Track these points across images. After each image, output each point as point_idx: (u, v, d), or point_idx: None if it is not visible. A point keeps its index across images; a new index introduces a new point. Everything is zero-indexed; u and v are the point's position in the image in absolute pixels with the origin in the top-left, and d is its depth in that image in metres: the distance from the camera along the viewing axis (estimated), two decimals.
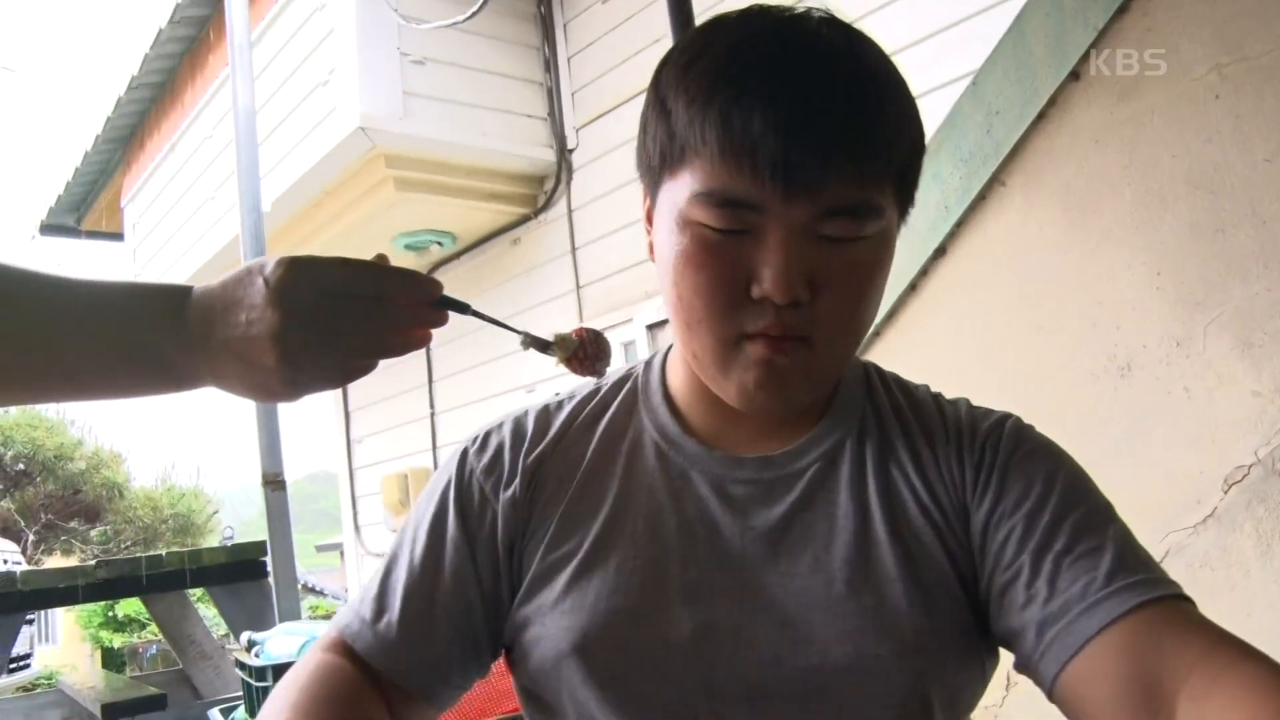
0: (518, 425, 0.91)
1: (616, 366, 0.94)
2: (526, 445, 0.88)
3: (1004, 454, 0.83)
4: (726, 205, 0.72)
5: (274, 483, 2.48)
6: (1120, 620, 0.71)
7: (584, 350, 0.74)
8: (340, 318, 0.59)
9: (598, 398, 0.92)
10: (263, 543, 2.72)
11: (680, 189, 0.75)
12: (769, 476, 0.84)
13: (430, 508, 0.88)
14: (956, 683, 0.80)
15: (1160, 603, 0.72)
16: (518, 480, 0.86)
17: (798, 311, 0.73)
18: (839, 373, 0.86)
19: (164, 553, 3.12)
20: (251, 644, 1.90)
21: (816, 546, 0.81)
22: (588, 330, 0.75)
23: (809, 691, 0.77)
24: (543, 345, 0.74)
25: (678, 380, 0.90)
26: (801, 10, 0.77)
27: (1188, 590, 0.76)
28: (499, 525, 0.85)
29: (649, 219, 0.84)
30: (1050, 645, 0.74)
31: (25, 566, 9.23)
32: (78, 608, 10.11)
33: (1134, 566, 0.75)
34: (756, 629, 0.78)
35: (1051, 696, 0.76)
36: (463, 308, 0.67)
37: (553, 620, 0.80)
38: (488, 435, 0.91)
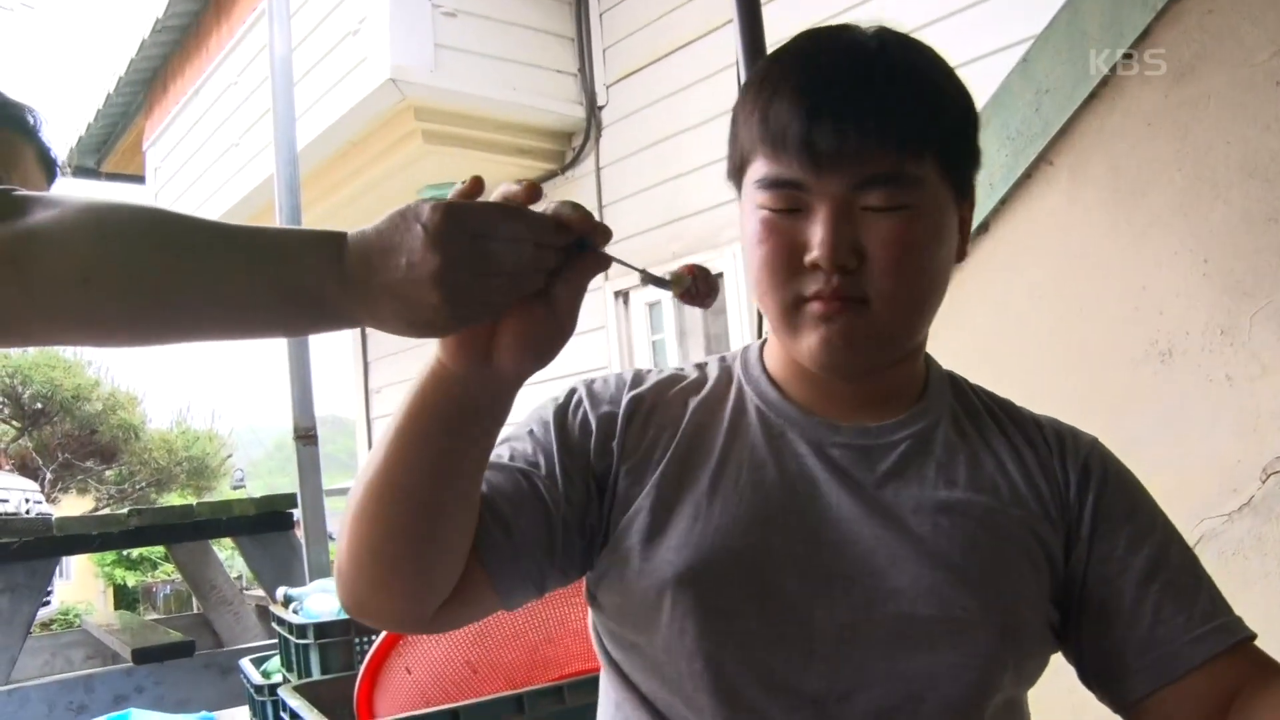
0: (619, 376, 0.96)
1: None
2: (629, 386, 0.94)
3: (1110, 471, 0.92)
4: (776, 187, 0.82)
5: (305, 436, 2.50)
6: (1220, 656, 0.84)
7: (695, 286, 0.77)
8: (495, 259, 0.63)
9: (692, 376, 0.97)
10: (291, 495, 2.75)
11: (749, 184, 0.85)
12: (865, 443, 0.89)
13: (524, 422, 0.92)
14: (1029, 653, 0.87)
15: (1245, 643, 0.86)
16: (618, 416, 0.91)
17: (849, 277, 0.80)
18: (907, 336, 0.88)
19: (195, 503, 3.16)
20: (289, 600, 1.93)
21: (907, 510, 0.86)
22: (698, 267, 0.78)
23: (898, 637, 0.82)
24: (661, 282, 0.77)
25: (775, 360, 0.95)
26: (855, 23, 0.87)
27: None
28: (593, 450, 0.89)
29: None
30: (1148, 667, 0.86)
31: (45, 506, 9.34)
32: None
33: (1224, 607, 0.88)
34: (852, 577, 0.83)
35: (1127, 712, 0.88)
36: (600, 252, 0.69)
37: (660, 555, 0.84)
38: (592, 381, 0.96)
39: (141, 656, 2.59)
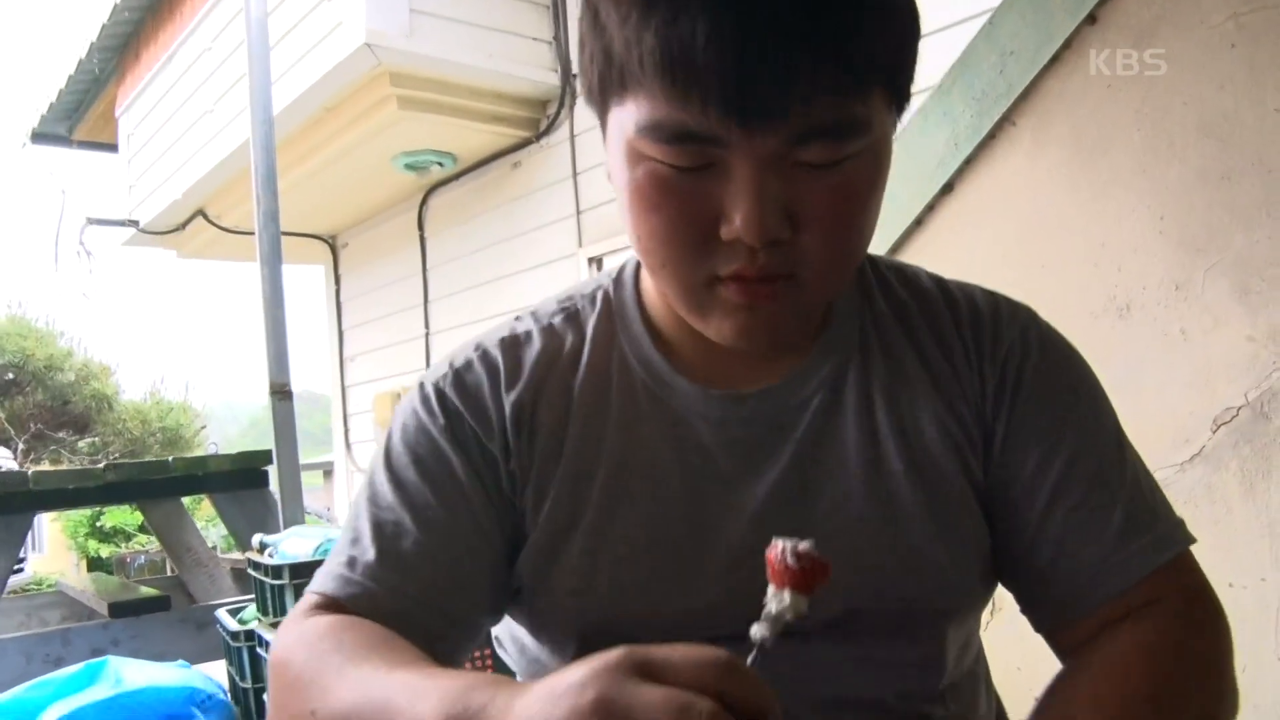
0: (489, 363, 0.82)
1: (585, 280, 0.88)
2: (504, 386, 0.80)
3: (1027, 373, 0.80)
4: (680, 141, 0.63)
5: (281, 392, 2.51)
6: (1119, 595, 0.76)
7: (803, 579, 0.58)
8: None
9: (571, 327, 0.83)
10: (267, 451, 2.78)
11: (626, 117, 0.66)
12: (773, 411, 0.78)
13: (419, 453, 0.79)
14: (973, 611, 0.81)
15: (1162, 567, 0.76)
16: (507, 428, 0.79)
17: (778, 249, 0.66)
18: (837, 295, 0.80)
19: (170, 459, 3.18)
20: (264, 545, 1.96)
21: (830, 489, 0.77)
22: (797, 560, 0.58)
23: (838, 634, 0.75)
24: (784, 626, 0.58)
25: (656, 305, 0.82)
26: None
27: None
28: (498, 472, 0.79)
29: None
30: (1049, 602, 0.79)
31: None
32: (71, 514, 10.19)
33: (1139, 525, 0.77)
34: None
35: (1043, 635, 0.82)
36: None
37: (564, 600, 0.76)
38: (459, 374, 0.82)
39: (118, 610, 2.62)
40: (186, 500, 3.63)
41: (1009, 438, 0.79)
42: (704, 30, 0.59)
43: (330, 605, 0.76)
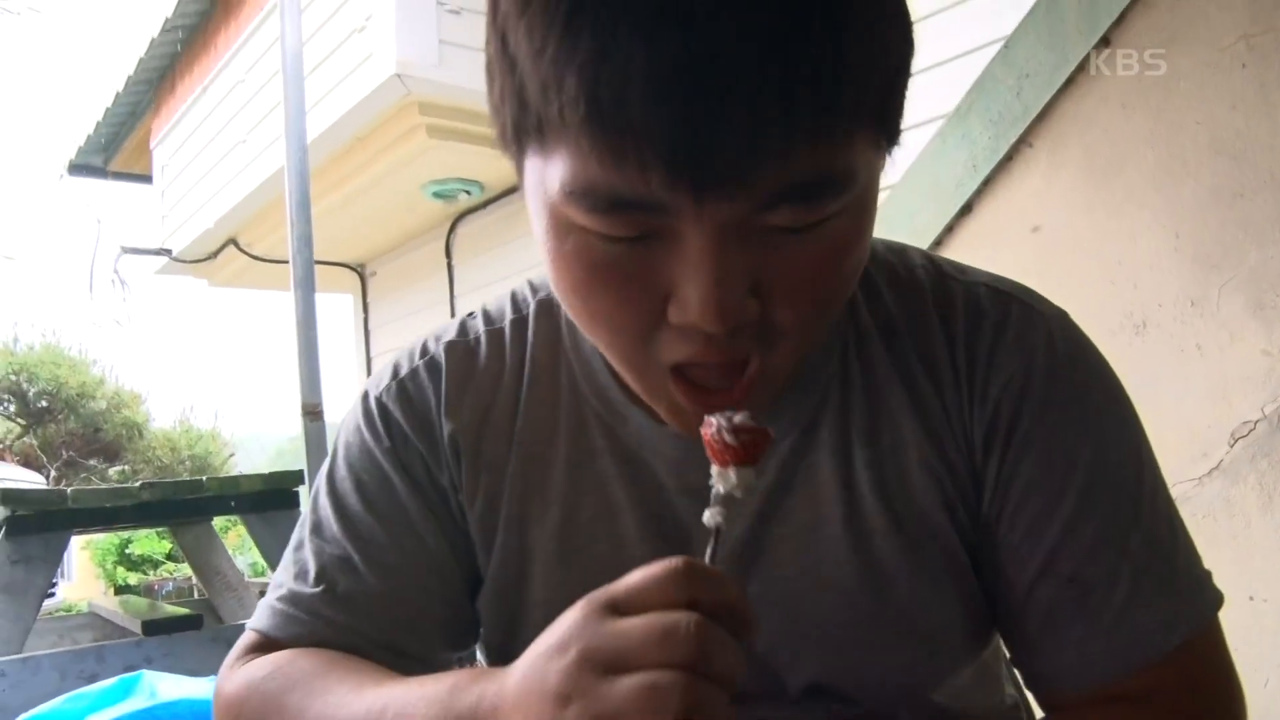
0: (434, 373, 0.74)
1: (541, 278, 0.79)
2: (445, 408, 0.72)
3: (1024, 416, 0.66)
4: (612, 209, 0.50)
5: (313, 413, 2.57)
6: (1111, 682, 0.65)
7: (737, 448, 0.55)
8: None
9: (519, 338, 0.74)
10: (299, 472, 2.83)
11: (549, 173, 0.52)
12: None
13: (364, 479, 0.73)
14: (964, 667, 0.72)
15: (1164, 657, 0.64)
16: (448, 458, 0.72)
17: (742, 334, 0.54)
18: (816, 347, 0.68)
19: (204, 478, 3.24)
20: None
21: (802, 543, 0.68)
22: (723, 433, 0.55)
23: (812, 699, 0.69)
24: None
25: None
26: None
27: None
28: (449, 501, 0.73)
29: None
30: (1029, 672, 0.70)
31: None
32: (100, 541, 10.30)
33: (1147, 601, 0.64)
34: (747, 649, 0.58)
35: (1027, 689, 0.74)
36: None
37: (520, 651, 0.68)
38: (403, 386, 0.74)
39: (151, 628, 2.66)
40: (216, 525, 3.69)
41: (1000, 489, 0.67)
42: (641, 69, 0.45)
43: (270, 645, 0.71)
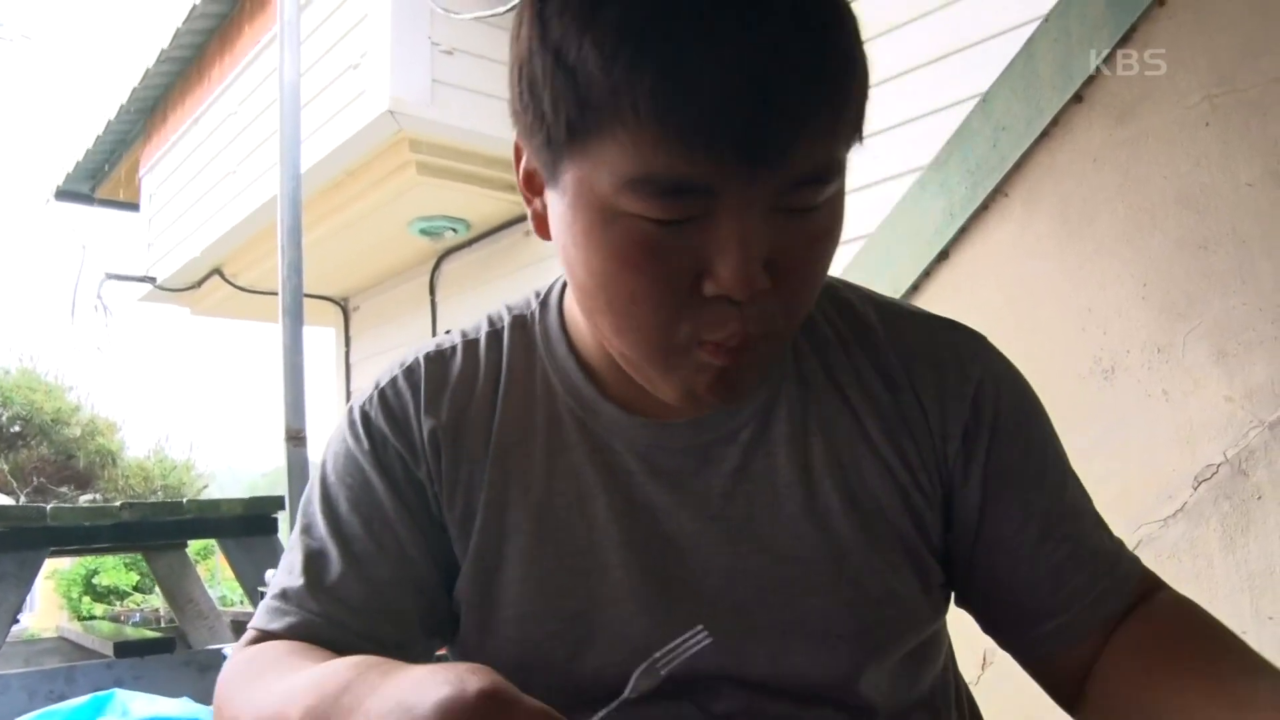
0: (413, 380, 0.80)
1: (518, 299, 0.87)
2: (424, 408, 0.78)
3: (1002, 410, 0.78)
4: (671, 193, 0.59)
5: (296, 438, 2.59)
6: (1116, 613, 0.77)
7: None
8: None
9: (494, 348, 0.81)
10: (279, 498, 2.84)
11: (599, 171, 0.60)
12: (701, 442, 0.76)
13: (347, 481, 0.78)
14: (906, 645, 0.77)
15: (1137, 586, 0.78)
16: (427, 453, 0.77)
17: (757, 304, 0.62)
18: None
19: (184, 500, 3.24)
20: None
21: (762, 523, 0.74)
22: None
23: (767, 678, 0.74)
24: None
25: (582, 330, 0.79)
26: None
27: None
28: (425, 497, 0.78)
29: (528, 182, 0.71)
30: (1050, 634, 0.77)
31: None
32: (65, 571, 10.16)
33: (1113, 543, 0.80)
34: (712, 620, 0.69)
35: (1030, 665, 0.81)
36: None
37: (498, 628, 0.75)
38: (384, 394, 0.80)
39: (123, 650, 2.65)
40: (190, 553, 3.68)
41: (988, 481, 0.77)
42: (709, 69, 0.55)
43: (264, 638, 0.76)
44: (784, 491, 0.75)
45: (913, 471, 0.76)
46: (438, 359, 0.81)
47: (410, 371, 0.80)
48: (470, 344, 0.81)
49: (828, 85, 0.59)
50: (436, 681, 0.53)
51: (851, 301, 0.83)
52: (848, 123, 0.61)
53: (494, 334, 0.82)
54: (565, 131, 0.60)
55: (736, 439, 0.76)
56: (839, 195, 0.65)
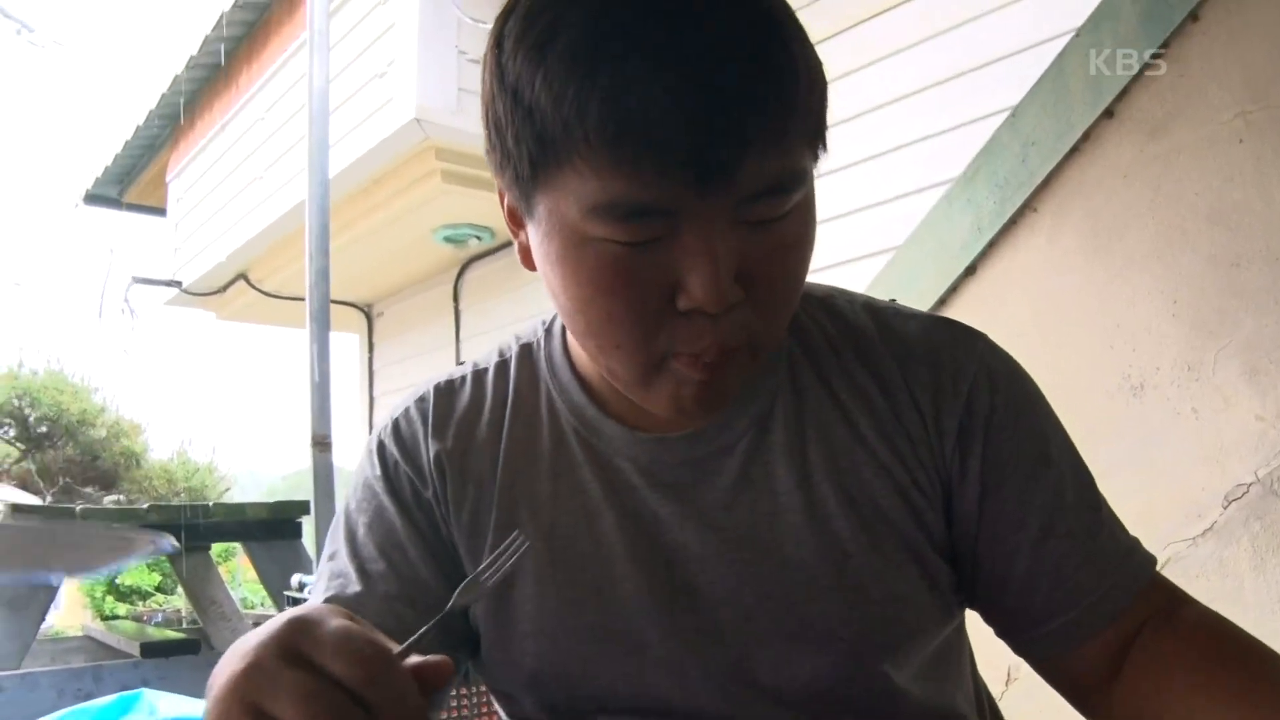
0: (422, 409, 0.84)
1: (525, 328, 0.90)
2: (432, 433, 0.82)
3: (997, 406, 0.78)
4: (638, 217, 0.61)
5: (321, 444, 2.61)
6: (1123, 611, 0.75)
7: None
8: None
9: (501, 377, 0.85)
10: (304, 502, 2.86)
11: (566, 201, 0.63)
12: (700, 455, 0.77)
13: (364, 507, 0.82)
14: (924, 652, 0.78)
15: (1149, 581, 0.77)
16: (433, 475, 0.81)
17: (732, 316, 0.65)
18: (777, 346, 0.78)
19: (210, 503, 3.26)
20: (303, 585, 2.02)
21: (763, 531, 0.76)
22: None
23: (779, 687, 0.75)
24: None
25: (583, 356, 0.81)
26: None
27: None
28: (434, 518, 0.81)
29: (511, 217, 0.74)
30: (1053, 634, 0.76)
31: None
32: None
33: (1124, 539, 0.78)
34: (720, 627, 0.74)
35: (1041, 668, 0.80)
36: None
37: (516, 645, 0.77)
38: (397, 423, 0.85)
39: (149, 650, 2.68)
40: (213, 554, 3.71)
41: (986, 477, 0.77)
42: (653, 96, 0.57)
43: None
44: (783, 498, 0.76)
45: (911, 471, 0.77)
46: (447, 390, 0.85)
47: (421, 400, 0.85)
48: (479, 374, 0.86)
49: (771, 100, 0.60)
50: (274, 618, 0.54)
51: (844, 308, 0.84)
52: (800, 132, 0.62)
53: (502, 364, 0.86)
54: (530, 167, 0.63)
55: (735, 450, 0.77)
56: (806, 201, 0.66)
